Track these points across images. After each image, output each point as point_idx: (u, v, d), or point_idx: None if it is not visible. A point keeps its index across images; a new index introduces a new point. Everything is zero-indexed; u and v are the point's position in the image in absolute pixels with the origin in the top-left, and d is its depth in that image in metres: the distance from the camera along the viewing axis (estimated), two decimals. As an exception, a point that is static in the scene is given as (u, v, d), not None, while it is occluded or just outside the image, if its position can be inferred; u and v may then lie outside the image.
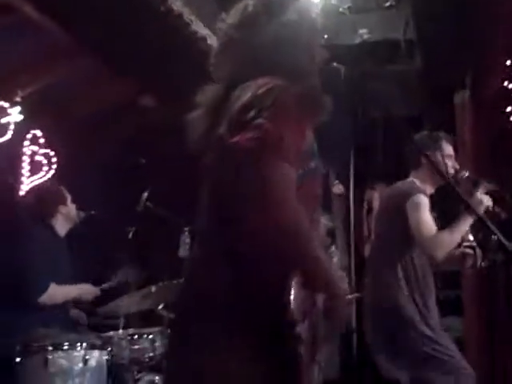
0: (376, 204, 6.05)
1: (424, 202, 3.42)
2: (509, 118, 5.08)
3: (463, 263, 3.48)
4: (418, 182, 3.56)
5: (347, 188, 5.18)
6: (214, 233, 1.64)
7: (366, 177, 5.95)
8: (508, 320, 4.38)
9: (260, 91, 1.62)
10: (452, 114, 5.56)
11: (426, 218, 3.36)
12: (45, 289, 3.81)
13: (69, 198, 4.23)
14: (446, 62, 5.03)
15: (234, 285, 1.56)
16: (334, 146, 5.43)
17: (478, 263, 3.40)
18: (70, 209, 4.21)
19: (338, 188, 4.97)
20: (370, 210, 6.11)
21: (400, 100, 5.13)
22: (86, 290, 4.13)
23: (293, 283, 1.48)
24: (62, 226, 4.18)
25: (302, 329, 1.48)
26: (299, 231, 1.53)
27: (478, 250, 3.40)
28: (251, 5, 1.83)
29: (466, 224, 3.27)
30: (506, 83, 4.98)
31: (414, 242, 3.44)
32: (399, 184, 3.68)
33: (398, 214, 3.45)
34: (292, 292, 1.47)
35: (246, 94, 1.64)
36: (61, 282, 3.93)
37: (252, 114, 1.58)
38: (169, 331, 3.69)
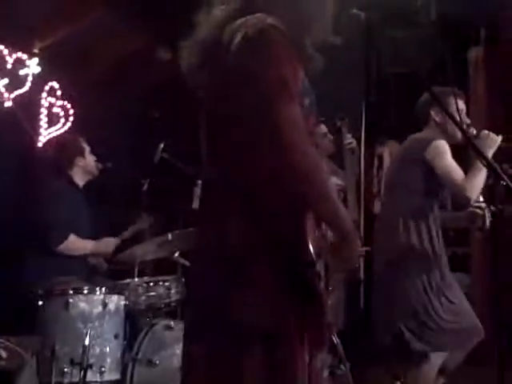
0: (387, 160, 6.06)
1: (446, 147, 3.39)
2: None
3: (472, 223, 3.52)
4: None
5: (358, 145, 5.20)
6: (225, 181, 1.65)
7: (378, 133, 5.96)
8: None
9: (250, 32, 1.61)
10: (466, 70, 5.54)
11: (453, 163, 3.35)
12: (64, 238, 3.91)
13: (87, 149, 4.28)
14: (461, 16, 5.01)
15: (249, 230, 1.58)
16: (347, 100, 5.45)
17: (487, 224, 3.42)
18: (88, 161, 4.26)
19: (350, 142, 4.98)
20: (380, 166, 6.13)
21: (415, 53, 5.12)
22: (105, 244, 4.19)
23: (309, 224, 1.54)
24: (80, 178, 4.24)
25: (319, 267, 1.56)
26: (314, 173, 1.55)
27: (487, 211, 3.42)
28: None
29: (482, 171, 3.28)
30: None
31: (430, 192, 3.45)
32: (414, 135, 3.63)
33: (416, 163, 3.44)
34: (309, 233, 1.54)
35: (236, 36, 1.62)
36: (80, 232, 4.03)
37: (246, 56, 1.58)
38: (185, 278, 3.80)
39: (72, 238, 3.95)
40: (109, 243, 4.21)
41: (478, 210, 3.44)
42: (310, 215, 1.59)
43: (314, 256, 1.54)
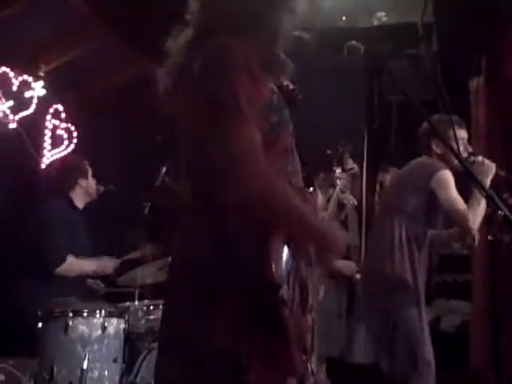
0: (389, 186, 6.08)
1: (451, 177, 3.43)
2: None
3: (462, 240, 3.57)
4: None
5: (360, 172, 5.23)
6: (194, 205, 1.66)
7: (380, 159, 5.99)
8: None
9: (210, 55, 1.62)
10: (467, 99, 5.58)
11: (456, 195, 3.39)
12: (63, 260, 3.91)
13: (90, 172, 4.31)
14: (462, 46, 5.05)
15: (217, 252, 1.56)
16: (349, 127, 5.49)
17: (476, 241, 3.43)
18: (89, 183, 4.28)
19: (352, 168, 5.01)
20: (382, 192, 6.14)
21: (416, 83, 5.16)
22: (105, 264, 4.20)
23: (273, 246, 1.50)
24: (80, 200, 4.26)
25: (284, 291, 1.51)
26: (275, 194, 1.52)
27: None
28: None
29: (482, 201, 3.31)
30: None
31: (427, 218, 3.50)
32: (419, 159, 3.66)
33: (418, 190, 3.48)
34: (273, 255, 1.49)
35: (197, 60, 1.63)
36: (79, 254, 4.03)
37: (203, 78, 1.59)
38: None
39: (70, 259, 3.95)
40: (107, 263, 4.22)
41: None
42: (277, 237, 1.54)
43: (278, 279, 1.50)
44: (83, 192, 4.26)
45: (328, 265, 1.67)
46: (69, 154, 5.40)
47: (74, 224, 4.13)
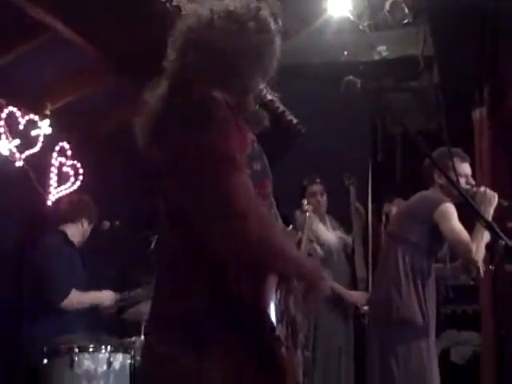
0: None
1: (453, 210, 3.47)
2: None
3: (468, 272, 3.58)
4: None
5: (366, 203, 5.26)
6: (181, 247, 1.65)
7: (385, 192, 6.01)
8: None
9: (193, 107, 1.64)
10: (471, 130, 5.61)
11: (459, 226, 3.42)
12: (66, 294, 3.91)
13: (95, 214, 4.34)
14: (463, 77, 5.09)
15: (213, 301, 1.58)
16: (354, 159, 5.52)
17: (482, 273, 3.43)
18: (87, 229, 4.32)
19: (357, 208, 5.08)
20: (387, 223, 6.15)
21: (418, 115, 5.20)
22: (104, 295, 4.20)
23: (270, 286, 1.55)
24: (75, 237, 4.27)
25: (280, 330, 1.57)
26: (270, 239, 1.56)
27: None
28: (213, 10, 1.79)
29: (485, 232, 3.33)
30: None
31: (431, 250, 3.54)
32: (424, 192, 3.70)
33: (423, 221, 3.53)
34: (269, 295, 1.55)
35: (178, 111, 1.66)
36: (78, 288, 4.03)
37: (190, 130, 1.61)
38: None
39: (73, 293, 3.95)
40: (109, 295, 4.21)
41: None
42: (270, 277, 1.58)
43: (273, 321, 1.55)
44: (80, 232, 4.29)
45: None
46: (76, 191, 5.44)
47: (72, 259, 4.14)
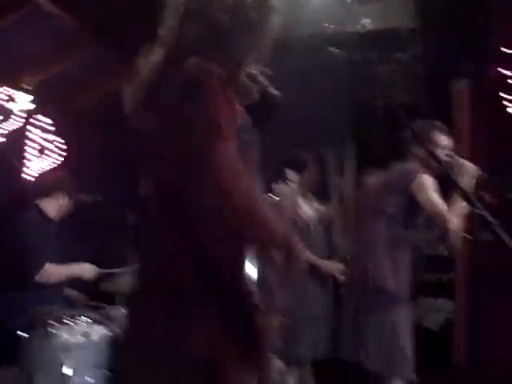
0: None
1: (430, 180, 3.52)
2: (507, 107, 5.14)
3: (443, 242, 3.65)
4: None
5: (344, 174, 5.28)
6: (165, 218, 1.69)
7: (364, 164, 6.03)
8: (492, 303, 4.48)
9: (186, 77, 1.66)
10: (450, 102, 5.61)
11: (436, 197, 3.48)
12: (40, 267, 3.88)
13: (73, 189, 4.28)
14: (446, 49, 5.08)
15: (191, 264, 1.61)
16: (334, 132, 5.52)
17: (458, 241, 3.53)
18: (65, 203, 4.26)
19: (335, 179, 5.09)
20: (365, 195, 6.17)
21: (402, 88, 5.19)
22: (83, 269, 4.18)
23: (246, 255, 1.56)
24: (49, 211, 4.23)
25: (256, 297, 1.58)
26: (253, 211, 1.58)
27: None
28: None
29: (462, 202, 3.36)
30: (504, 72, 5.04)
31: (408, 221, 3.62)
32: (401, 164, 3.75)
33: (400, 193, 3.59)
34: (246, 264, 1.55)
35: (172, 81, 1.68)
36: (54, 262, 3.99)
37: (180, 100, 1.63)
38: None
39: (47, 266, 3.92)
40: (87, 268, 4.18)
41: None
42: (250, 246, 1.59)
43: (252, 287, 1.57)
44: (56, 207, 4.24)
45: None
46: (56, 166, 5.38)
47: (46, 233, 4.10)
